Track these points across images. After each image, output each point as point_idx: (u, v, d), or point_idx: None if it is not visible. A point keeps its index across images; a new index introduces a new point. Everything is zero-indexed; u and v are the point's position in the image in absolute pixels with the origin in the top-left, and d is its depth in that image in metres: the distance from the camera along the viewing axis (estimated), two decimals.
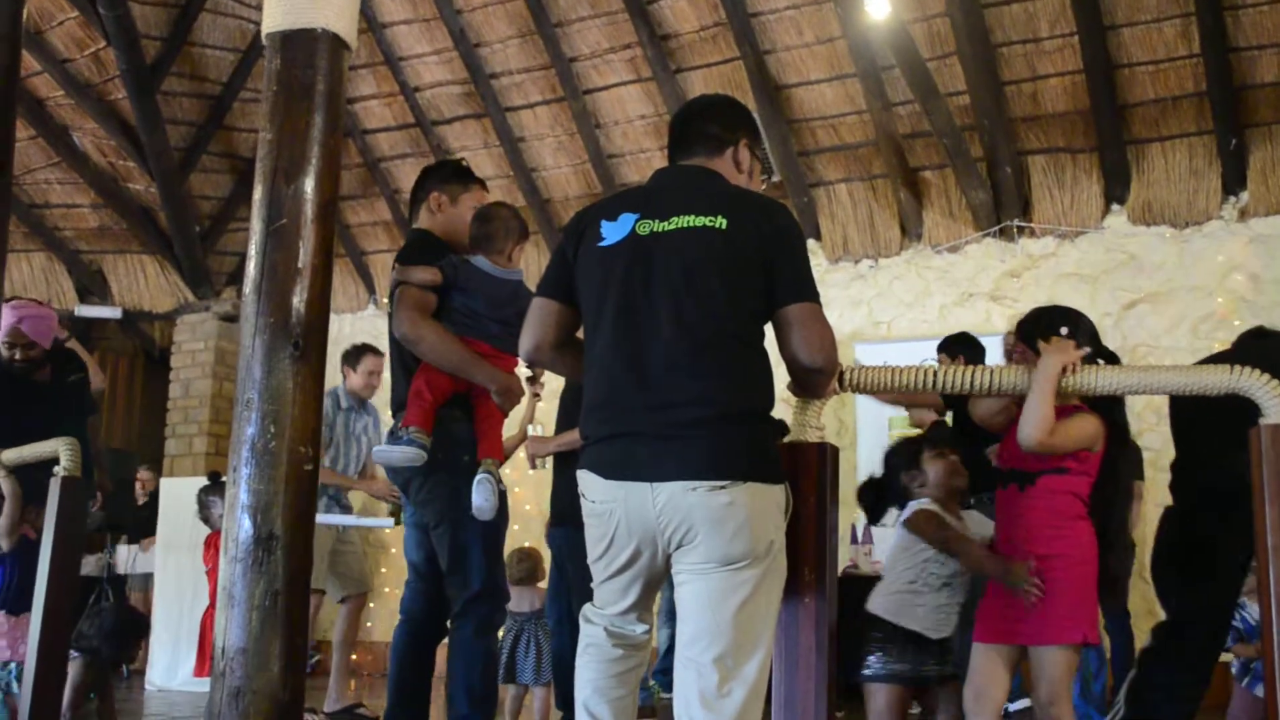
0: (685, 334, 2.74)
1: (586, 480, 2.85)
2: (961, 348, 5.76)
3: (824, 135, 8.92)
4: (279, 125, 3.21)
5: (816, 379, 2.80)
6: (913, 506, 3.59)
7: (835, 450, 2.85)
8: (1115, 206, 8.38)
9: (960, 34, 7.86)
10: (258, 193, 3.19)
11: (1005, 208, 8.52)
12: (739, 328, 2.78)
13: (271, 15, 3.20)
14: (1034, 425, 3.02)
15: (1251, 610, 3.98)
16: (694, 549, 2.70)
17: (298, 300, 3.11)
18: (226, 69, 9.70)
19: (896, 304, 8.94)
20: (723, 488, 2.64)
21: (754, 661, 2.65)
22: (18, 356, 5.46)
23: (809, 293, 2.78)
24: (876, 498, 3.79)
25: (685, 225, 2.82)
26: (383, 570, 9.55)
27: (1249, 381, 2.62)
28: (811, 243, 9.23)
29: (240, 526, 2.98)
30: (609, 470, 2.78)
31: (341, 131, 3.32)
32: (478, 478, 3.81)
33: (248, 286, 3.14)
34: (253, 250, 3.14)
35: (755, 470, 2.70)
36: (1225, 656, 4.29)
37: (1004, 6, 7.96)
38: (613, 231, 2.89)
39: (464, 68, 9.41)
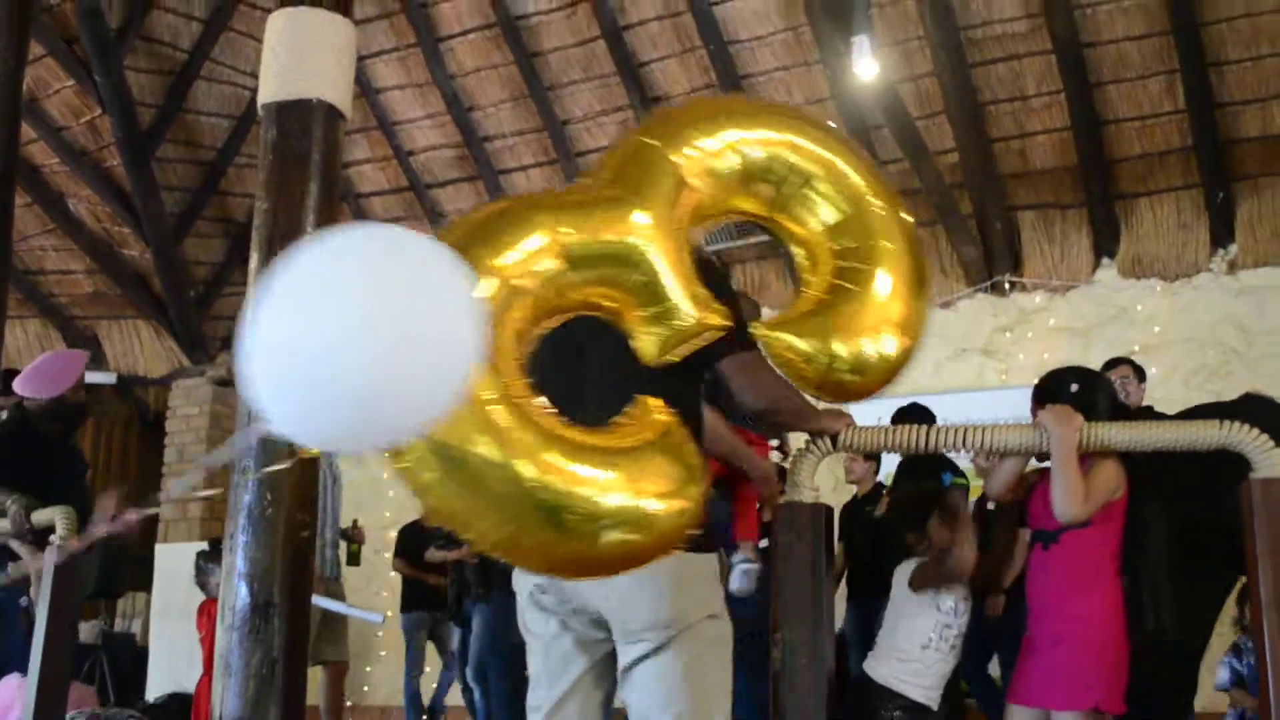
0: (613, 401, 2.74)
1: None
2: (914, 418, 5.68)
3: None
4: (275, 194, 3.24)
5: (773, 419, 2.83)
6: (910, 565, 3.56)
7: (829, 510, 2.86)
8: (1105, 260, 8.43)
9: (948, 93, 7.95)
10: (254, 260, 3.22)
11: (996, 263, 8.57)
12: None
13: (267, 86, 3.24)
14: (1069, 498, 3.00)
15: (1249, 655, 3.97)
16: (612, 618, 2.68)
17: None
18: (221, 135, 9.76)
19: None
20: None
21: None
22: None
23: (742, 341, 2.77)
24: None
25: None
26: (379, 634, 9.49)
27: (1239, 436, 2.64)
28: None
29: (237, 594, 2.99)
30: None
31: (338, 199, 3.36)
32: (739, 562, 3.75)
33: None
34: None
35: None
36: (1220, 704, 4.27)
37: (991, 65, 8.04)
38: None
39: (457, 131, 9.48)
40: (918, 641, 3.45)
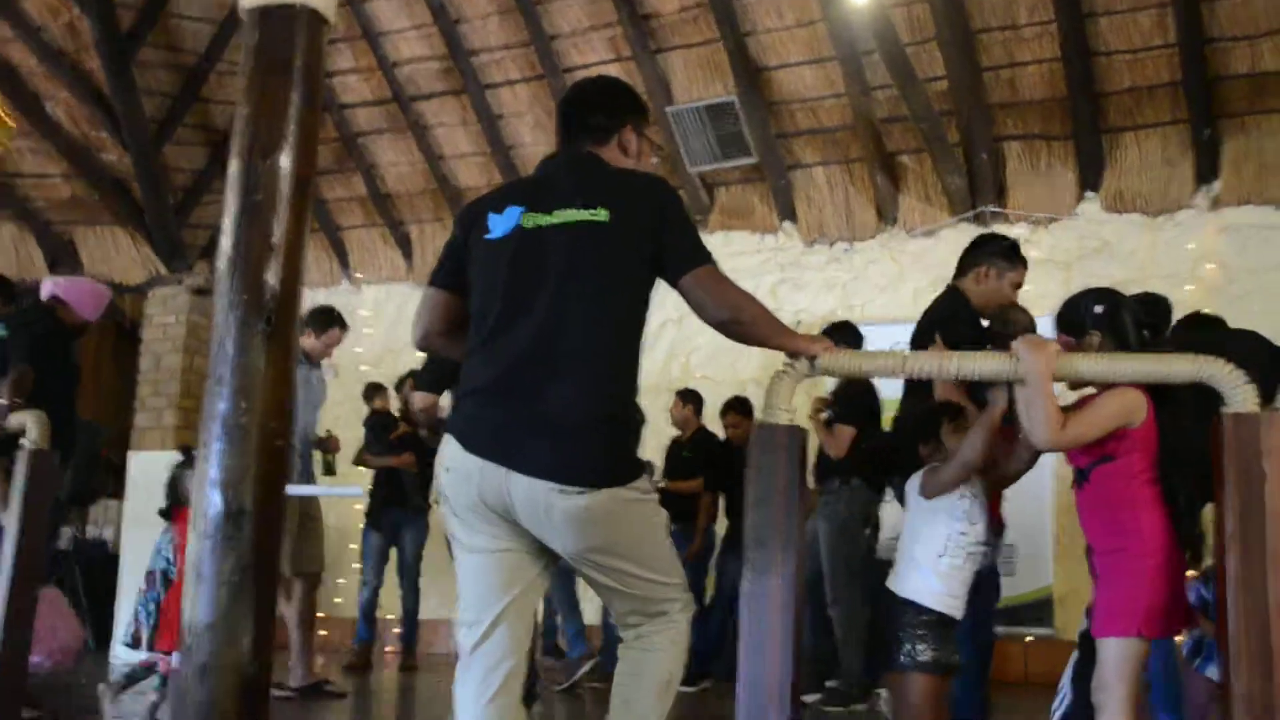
0: (560, 334, 2.81)
1: (449, 447, 2.89)
2: (839, 335, 5.82)
3: (802, 118, 8.93)
4: (256, 101, 3.18)
5: (736, 329, 2.88)
6: (920, 473, 3.50)
7: (803, 432, 2.87)
8: (1089, 194, 8.43)
9: (940, 19, 7.88)
10: (233, 168, 3.17)
11: (981, 193, 8.56)
12: (620, 327, 2.88)
13: None
14: (1042, 424, 2.98)
15: (1208, 589, 4.01)
16: (552, 540, 2.83)
17: (271, 277, 3.08)
18: (203, 40, 9.61)
19: (871, 287, 8.97)
20: (581, 493, 2.72)
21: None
22: None
23: (700, 257, 2.88)
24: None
25: (568, 221, 2.88)
26: (351, 546, 9.52)
27: (1213, 370, 2.65)
28: (788, 225, 9.26)
29: (210, 502, 2.97)
30: (470, 443, 2.83)
31: (319, 108, 3.30)
32: None
33: (221, 262, 3.12)
34: (227, 225, 3.12)
35: (613, 476, 2.80)
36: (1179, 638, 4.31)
37: None
38: (499, 224, 2.95)
39: (443, 43, 9.36)
40: (934, 550, 3.40)
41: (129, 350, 10.79)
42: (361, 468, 8.29)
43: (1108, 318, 3.24)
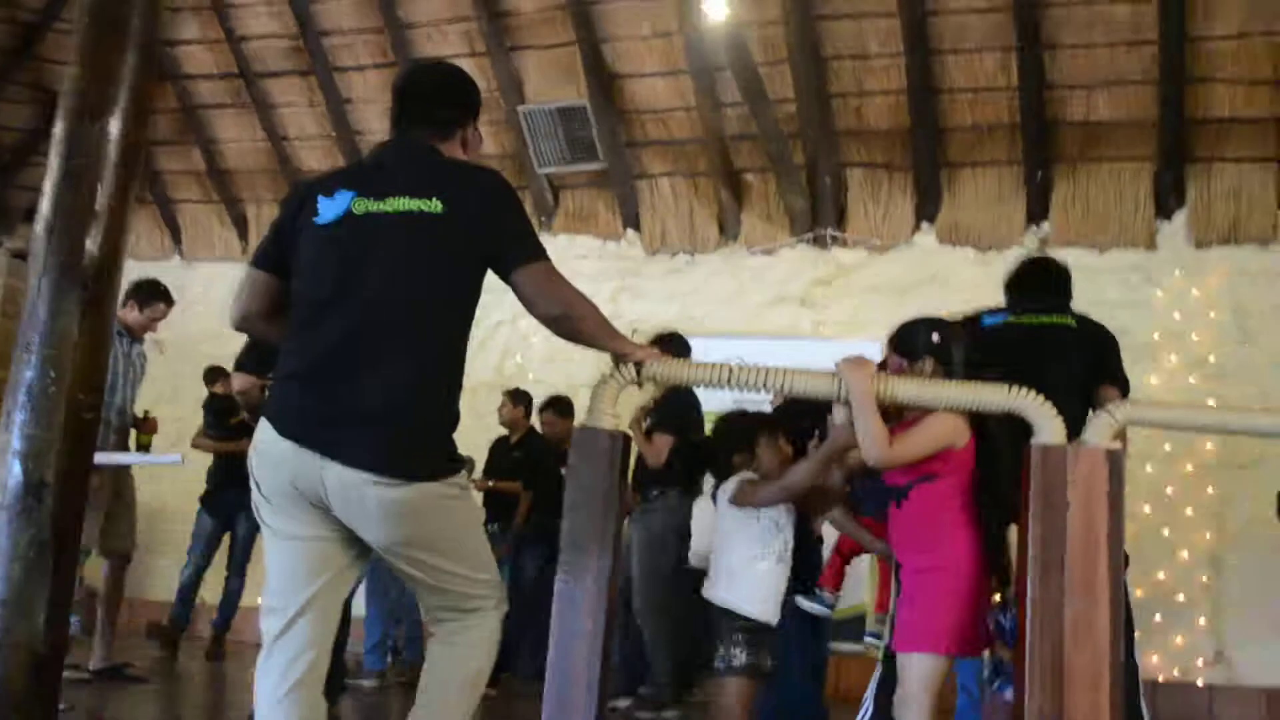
0: (386, 324, 2.78)
1: (263, 430, 2.84)
2: (667, 345, 5.84)
3: (653, 128, 8.99)
4: (88, 61, 3.10)
5: (565, 326, 2.87)
6: (736, 480, 3.54)
7: (626, 437, 2.88)
8: (925, 225, 8.63)
9: (793, 42, 8.01)
10: (59, 128, 3.09)
11: (821, 216, 8.69)
12: (445, 319, 2.85)
13: None
14: (871, 442, 3.04)
15: (1007, 613, 4.13)
16: (364, 531, 2.79)
17: (91, 243, 3.01)
18: None
19: (711, 300, 9.05)
20: (396, 485, 2.70)
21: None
22: None
23: (533, 252, 2.87)
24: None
25: (401, 209, 2.84)
26: (164, 527, 9.26)
27: (1024, 401, 2.74)
28: (630, 233, 9.30)
29: (10, 473, 2.87)
30: (285, 428, 2.78)
31: (155, 73, 3.22)
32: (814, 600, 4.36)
33: (39, 225, 3.02)
34: (47, 188, 3.03)
35: (430, 470, 2.78)
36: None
37: (836, 21, 8.12)
38: (329, 209, 2.90)
39: (294, 21, 9.20)
40: (745, 555, 3.46)
41: None
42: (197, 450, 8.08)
43: (942, 348, 3.33)
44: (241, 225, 10.34)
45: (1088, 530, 2.66)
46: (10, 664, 2.85)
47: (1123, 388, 4.20)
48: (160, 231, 10.50)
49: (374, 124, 9.47)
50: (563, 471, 7.44)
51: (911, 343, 3.37)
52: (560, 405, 7.68)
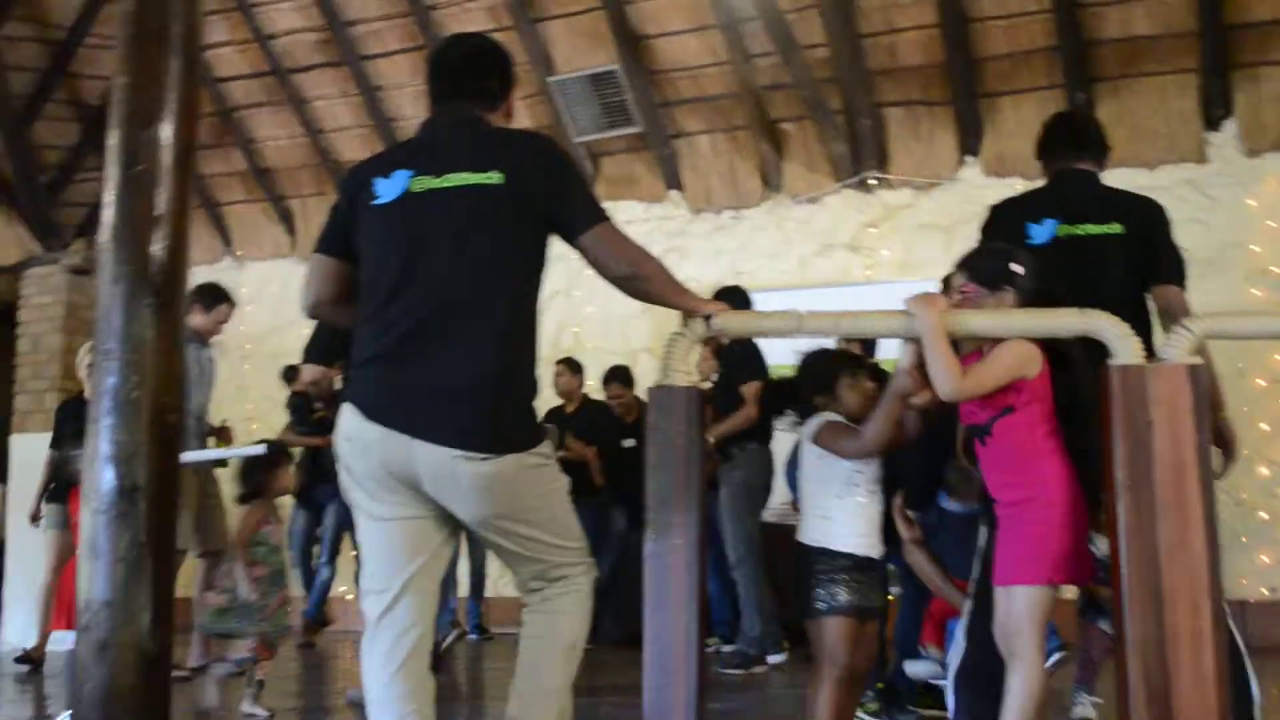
0: (458, 300, 2.79)
1: (348, 417, 2.87)
2: (730, 298, 5.84)
3: (685, 86, 8.96)
4: (134, 69, 3.13)
5: (635, 285, 2.89)
6: (817, 421, 3.52)
7: (702, 393, 2.89)
8: (969, 158, 8.57)
9: None
10: (113, 138, 3.12)
11: (863, 160, 8.66)
12: (517, 290, 2.86)
13: None
14: (942, 376, 3.03)
15: (1098, 544, 4.10)
16: (458, 508, 2.82)
17: (157, 248, 3.05)
18: (71, 13, 9.35)
19: (758, 255, 9.04)
20: (485, 459, 2.72)
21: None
22: None
23: (596, 215, 2.89)
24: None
25: (461, 183, 2.85)
26: None
27: (1097, 323, 2.73)
28: (674, 194, 9.29)
29: (102, 478, 2.93)
30: (371, 412, 2.81)
31: (199, 77, 3.26)
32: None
33: (105, 234, 3.07)
34: (109, 198, 3.07)
35: (516, 441, 2.80)
36: (1070, 593, 4.42)
37: None
38: (387, 189, 2.91)
39: (320, 15, 9.23)
40: (833, 495, 3.43)
41: (5, 333, 10.50)
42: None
43: (1021, 277, 3.29)
44: (288, 221, 10.42)
45: (1174, 450, 2.64)
46: (119, 664, 2.91)
47: (1179, 274, 4.03)
48: (210, 234, 10.60)
49: (407, 109, 9.51)
50: (623, 444, 7.56)
51: (991, 271, 3.32)
52: (624, 376, 7.71)
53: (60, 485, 7.20)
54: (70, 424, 7.03)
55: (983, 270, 3.29)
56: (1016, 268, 3.24)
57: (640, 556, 2.86)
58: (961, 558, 3.81)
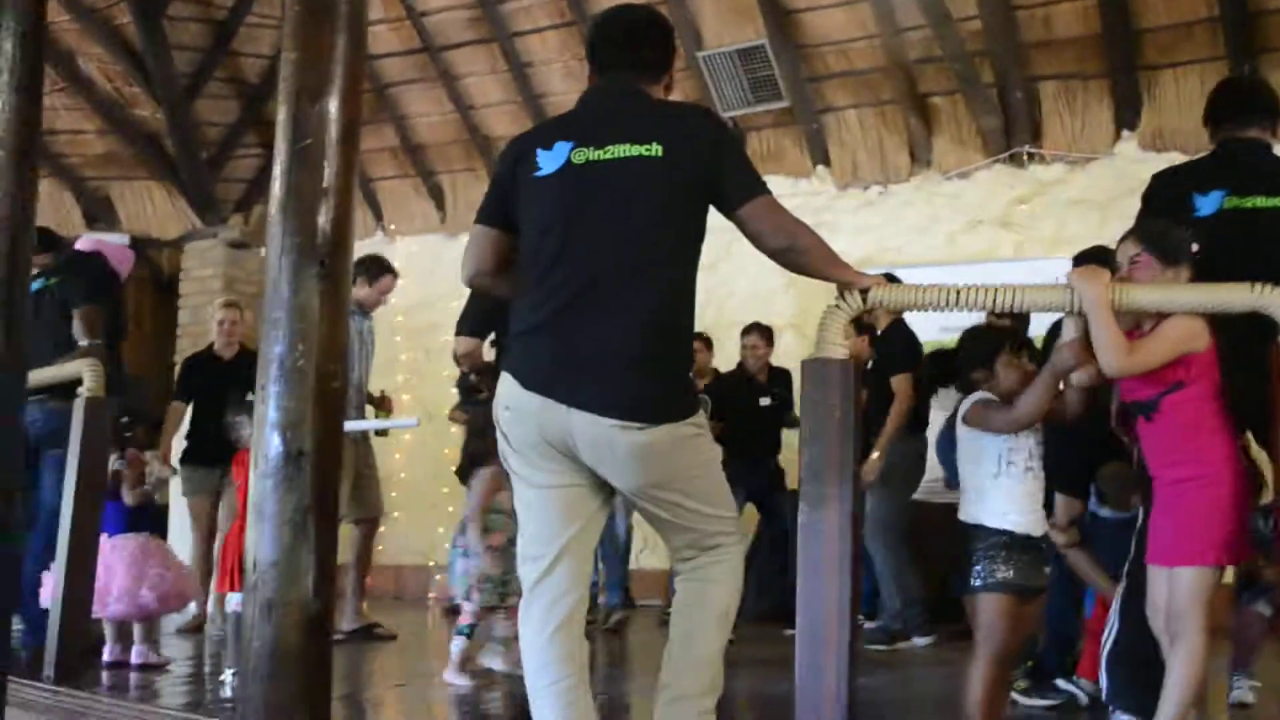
0: (618, 271, 2.83)
1: (507, 385, 2.92)
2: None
3: (834, 60, 8.88)
4: (302, 45, 3.21)
5: (793, 258, 2.92)
6: (969, 400, 3.49)
7: (857, 366, 2.88)
8: (1126, 133, 8.36)
9: None
10: (281, 113, 3.20)
11: (1015, 134, 8.51)
12: (676, 261, 2.89)
13: None
14: (1109, 351, 2.98)
15: (1258, 522, 3.98)
16: (613, 477, 2.87)
17: (323, 220, 3.12)
18: None
19: (905, 230, 8.94)
20: (641, 429, 2.76)
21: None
22: None
23: (757, 188, 2.92)
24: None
25: (622, 155, 2.88)
26: (393, 494, 9.61)
27: (1271, 299, 2.66)
28: (820, 169, 9.24)
29: (270, 443, 3.02)
30: (530, 381, 2.86)
31: (365, 53, 3.32)
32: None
33: (273, 207, 3.15)
34: (277, 171, 3.15)
35: (673, 411, 2.84)
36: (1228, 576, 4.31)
37: None
38: (549, 161, 2.95)
39: None
40: (988, 473, 3.39)
41: (167, 304, 10.87)
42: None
43: (1198, 254, 3.21)
44: (438, 197, 10.59)
45: None
46: (285, 623, 3.00)
47: None
48: (362, 209, 10.82)
49: (556, 85, 9.59)
50: (760, 402, 7.48)
51: (1173, 246, 3.24)
52: (767, 332, 7.65)
53: (203, 447, 6.98)
54: (207, 383, 7.00)
55: (1162, 242, 3.21)
56: (1195, 247, 3.16)
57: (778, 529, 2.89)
58: (1115, 565, 3.75)
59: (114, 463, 5.19)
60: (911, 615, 6.34)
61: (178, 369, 7.83)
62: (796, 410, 6.86)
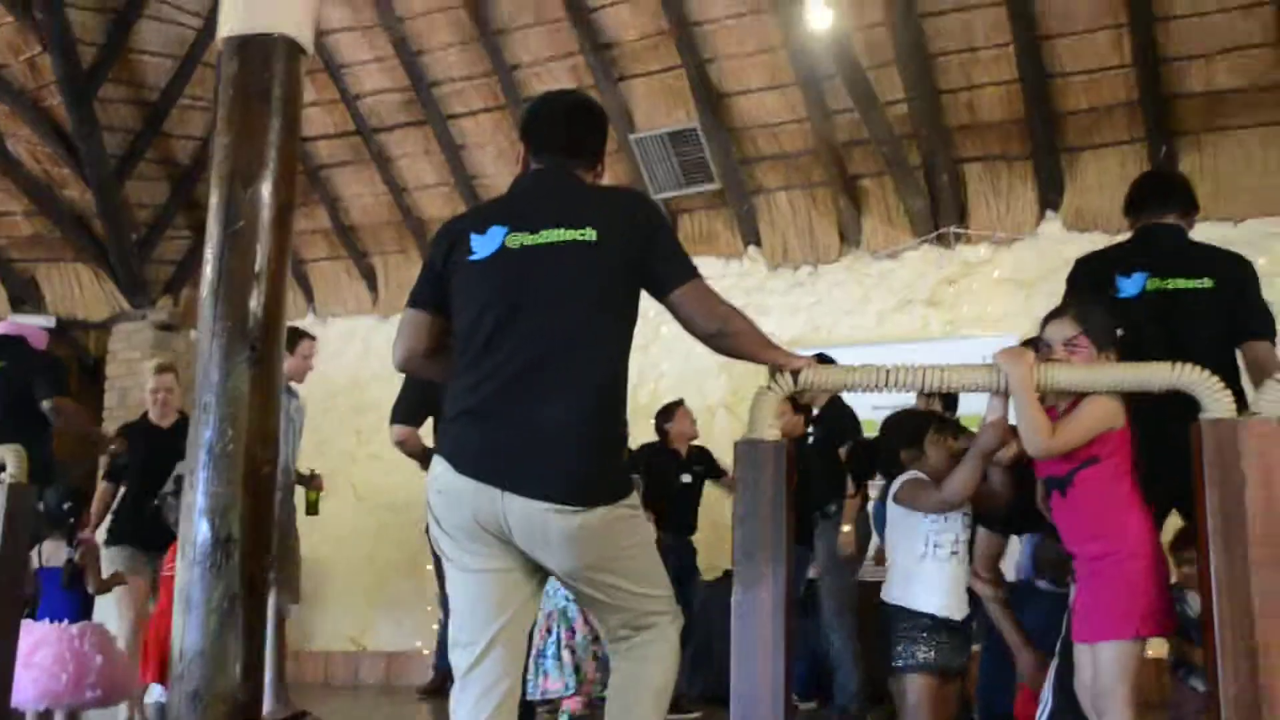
0: (552, 355, 2.84)
1: (439, 469, 2.90)
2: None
3: (764, 143, 9.00)
4: (236, 130, 3.22)
5: (724, 342, 2.95)
6: (901, 479, 3.52)
7: (790, 448, 2.90)
8: (1050, 213, 8.52)
9: (898, 43, 7.98)
10: (214, 196, 3.20)
11: (942, 214, 8.64)
12: (610, 345, 2.91)
13: (228, 20, 3.22)
14: (1033, 432, 3.02)
15: (1192, 603, 4.04)
16: (548, 560, 2.86)
17: (254, 304, 3.12)
18: (164, 75, 9.58)
19: (835, 310, 9.03)
20: (575, 512, 2.76)
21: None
22: None
23: (687, 272, 2.95)
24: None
25: (556, 240, 2.90)
26: (320, 579, 9.48)
27: (1190, 378, 2.71)
28: (752, 249, 9.32)
29: (198, 530, 2.99)
30: (463, 465, 2.85)
31: (298, 137, 3.34)
32: None
33: (204, 290, 3.14)
34: (209, 254, 3.15)
35: (607, 494, 2.84)
36: (1159, 650, 4.35)
37: (941, 16, 8.05)
38: (483, 245, 2.96)
39: (405, 75, 9.38)
40: (914, 554, 3.43)
41: (93, 387, 10.72)
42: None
43: (1122, 337, 3.28)
44: (370, 278, 10.56)
45: (1269, 504, 2.60)
46: (212, 713, 2.96)
47: (1269, 330, 4.01)
48: (293, 291, 10.76)
49: (489, 168, 9.64)
50: (681, 479, 7.41)
51: (1103, 328, 3.31)
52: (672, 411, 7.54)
53: (138, 526, 6.49)
54: (145, 456, 6.62)
55: (1098, 327, 3.28)
56: (1120, 332, 3.24)
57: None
58: (1052, 636, 3.77)
59: (68, 552, 5.13)
60: (864, 692, 6.35)
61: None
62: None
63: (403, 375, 3.35)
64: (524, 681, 4.74)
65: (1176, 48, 7.78)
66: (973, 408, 5.71)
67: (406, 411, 5.51)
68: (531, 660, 4.91)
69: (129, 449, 6.69)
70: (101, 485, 6.93)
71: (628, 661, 2.96)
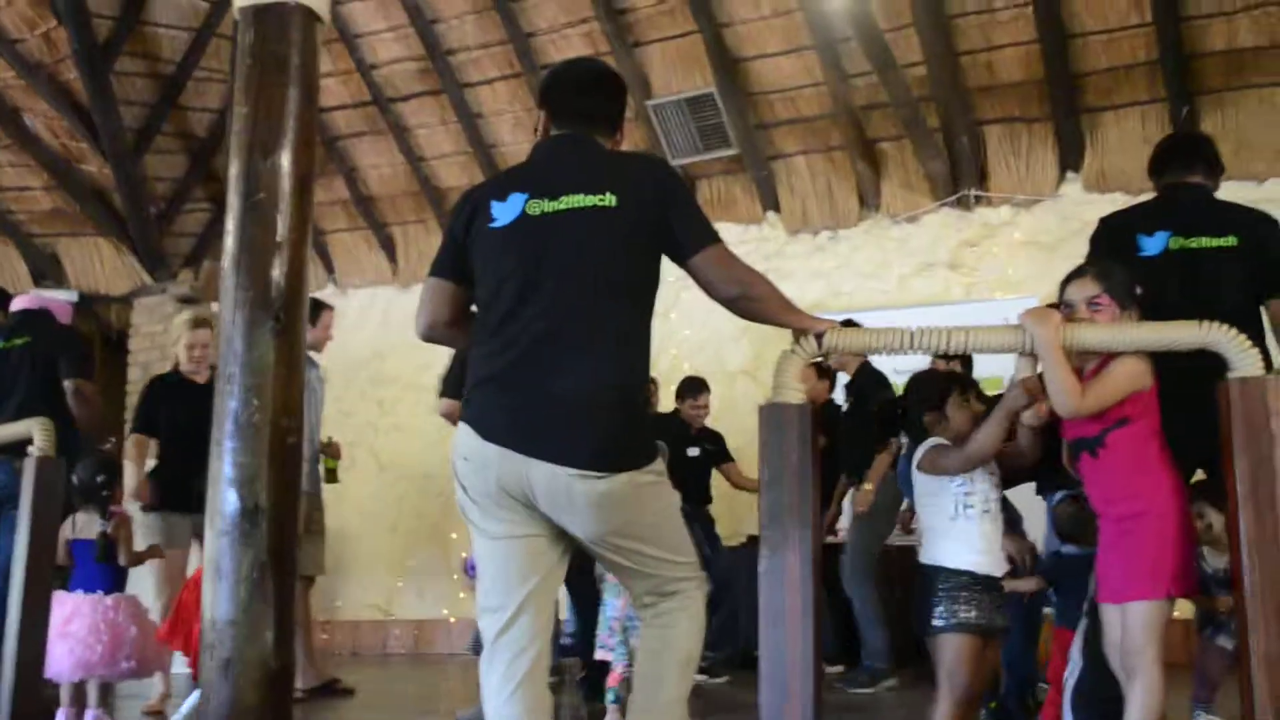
0: (574, 321, 2.84)
1: (464, 436, 2.91)
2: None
3: (782, 108, 8.96)
4: (254, 100, 3.20)
5: (746, 305, 2.93)
6: (924, 447, 3.51)
7: (814, 410, 2.90)
8: (1070, 174, 8.48)
9: (916, 5, 7.92)
10: (233, 168, 3.19)
11: (962, 177, 8.60)
12: (632, 310, 2.91)
13: None
14: (1063, 393, 3.02)
15: (1210, 560, 4.03)
16: (572, 525, 2.86)
17: (277, 274, 3.11)
18: (180, 48, 9.57)
19: (856, 275, 9.01)
20: (600, 478, 2.76)
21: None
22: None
23: (708, 236, 2.93)
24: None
25: (576, 206, 2.90)
26: (348, 550, 9.54)
27: (1217, 336, 2.69)
28: (771, 215, 9.30)
29: (225, 500, 2.99)
30: (488, 432, 2.85)
31: (316, 106, 3.32)
32: None
33: (226, 261, 3.14)
34: (230, 225, 3.14)
35: (631, 459, 2.83)
36: (1184, 611, 4.35)
37: None
38: (503, 212, 2.96)
39: (420, 44, 9.36)
40: (945, 515, 3.43)
41: (116, 361, 10.76)
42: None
43: (1143, 296, 3.26)
44: (389, 249, 10.57)
45: None
46: (244, 681, 2.96)
47: None
48: (313, 263, 10.74)
49: (505, 135, 9.63)
50: (688, 453, 7.40)
51: (1124, 286, 3.29)
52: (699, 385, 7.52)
53: (177, 490, 6.04)
54: (180, 413, 6.21)
55: (1119, 284, 3.26)
56: (1139, 290, 3.22)
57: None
58: (1081, 603, 3.76)
59: (101, 525, 5.14)
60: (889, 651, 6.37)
61: (138, 395, 6.82)
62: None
63: (427, 344, 3.35)
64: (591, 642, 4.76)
65: (1197, 5, 7.71)
66: (989, 369, 5.72)
67: (454, 385, 5.50)
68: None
69: (162, 405, 6.36)
70: (134, 436, 6.44)
71: (654, 629, 2.97)
